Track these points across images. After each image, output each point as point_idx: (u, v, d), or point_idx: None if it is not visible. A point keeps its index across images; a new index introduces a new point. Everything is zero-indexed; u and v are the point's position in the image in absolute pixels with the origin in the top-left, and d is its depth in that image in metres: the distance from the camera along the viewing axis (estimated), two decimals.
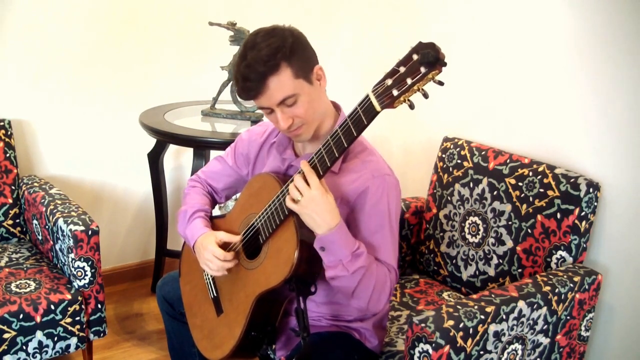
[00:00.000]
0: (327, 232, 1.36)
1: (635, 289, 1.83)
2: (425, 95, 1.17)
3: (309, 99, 1.43)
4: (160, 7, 2.77)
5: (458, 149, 2.12)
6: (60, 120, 2.63)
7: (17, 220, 2.42)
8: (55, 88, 2.58)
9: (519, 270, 1.90)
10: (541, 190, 1.85)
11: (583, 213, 1.78)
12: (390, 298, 1.51)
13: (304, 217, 1.38)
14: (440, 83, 1.17)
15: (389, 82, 1.19)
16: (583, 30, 1.86)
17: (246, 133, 1.74)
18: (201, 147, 2.41)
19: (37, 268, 2.20)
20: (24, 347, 1.98)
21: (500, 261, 1.95)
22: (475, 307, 1.53)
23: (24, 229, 2.45)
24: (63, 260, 2.15)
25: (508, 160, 1.97)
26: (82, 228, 2.06)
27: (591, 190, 1.77)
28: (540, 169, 1.88)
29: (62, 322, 2.04)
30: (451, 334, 1.46)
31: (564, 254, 1.80)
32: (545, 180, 1.85)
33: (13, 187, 2.40)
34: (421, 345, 1.46)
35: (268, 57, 1.37)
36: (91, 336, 2.16)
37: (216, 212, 1.96)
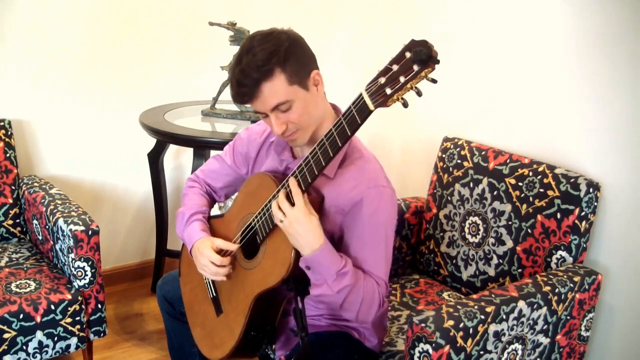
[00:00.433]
0: (311, 253, 1.36)
1: (635, 289, 1.82)
2: (419, 94, 1.15)
3: (304, 105, 1.42)
4: (160, 7, 2.77)
5: (458, 149, 2.12)
6: (60, 120, 2.63)
7: (17, 220, 2.42)
8: (55, 88, 2.58)
9: (519, 270, 1.89)
10: (541, 190, 1.85)
11: (583, 213, 1.77)
12: (381, 309, 1.51)
13: (288, 237, 1.38)
14: (434, 81, 1.15)
15: (382, 80, 1.17)
16: (582, 30, 1.86)
17: (245, 132, 1.73)
18: (201, 147, 2.41)
19: (37, 268, 2.20)
20: (24, 347, 1.98)
21: (500, 261, 1.95)
22: (476, 307, 1.53)
23: (24, 229, 2.45)
24: (63, 260, 2.15)
25: (508, 160, 1.97)
26: (82, 228, 2.06)
27: (591, 190, 1.77)
28: (540, 169, 1.88)
29: (62, 322, 2.04)
30: (451, 334, 1.46)
31: (564, 254, 1.80)
32: (545, 180, 1.85)
33: (13, 187, 2.40)
34: (421, 345, 1.46)
35: (262, 62, 1.35)
36: (91, 336, 2.16)
37: (216, 210, 1.96)
